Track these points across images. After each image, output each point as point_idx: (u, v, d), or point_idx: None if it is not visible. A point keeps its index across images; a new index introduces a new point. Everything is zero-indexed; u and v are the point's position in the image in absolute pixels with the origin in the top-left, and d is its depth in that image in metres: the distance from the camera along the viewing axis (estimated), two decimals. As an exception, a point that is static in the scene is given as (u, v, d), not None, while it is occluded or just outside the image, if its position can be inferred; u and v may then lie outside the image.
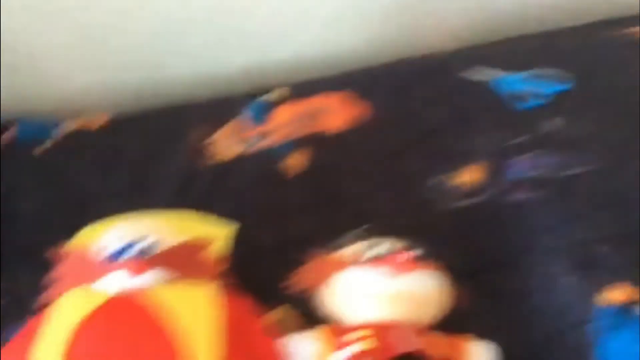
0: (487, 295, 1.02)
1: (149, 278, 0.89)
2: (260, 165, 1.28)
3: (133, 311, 0.85)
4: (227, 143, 1.32)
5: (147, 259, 0.90)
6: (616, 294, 0.97)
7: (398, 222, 1.11)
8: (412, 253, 0.97)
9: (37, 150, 1.35)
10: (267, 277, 1.03)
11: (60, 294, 0.90)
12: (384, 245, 0.98)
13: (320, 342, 0.91)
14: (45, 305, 0.91)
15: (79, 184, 1.27)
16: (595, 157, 1.16)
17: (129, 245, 0.92)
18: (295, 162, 1.27)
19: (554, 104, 1.28)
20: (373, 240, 1.00)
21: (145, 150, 1.33)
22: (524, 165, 1.18)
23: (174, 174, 1.28)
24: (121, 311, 0.86)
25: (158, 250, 0.92)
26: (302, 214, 1.18)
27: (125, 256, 0.90)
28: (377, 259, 0.96)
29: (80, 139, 1.38)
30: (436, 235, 1.08)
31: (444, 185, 1.20)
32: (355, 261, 0.97)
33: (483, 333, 0.95)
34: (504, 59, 1.39)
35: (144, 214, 1.04)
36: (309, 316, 0.98)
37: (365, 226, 1.09)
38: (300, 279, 1.02)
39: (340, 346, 0.90)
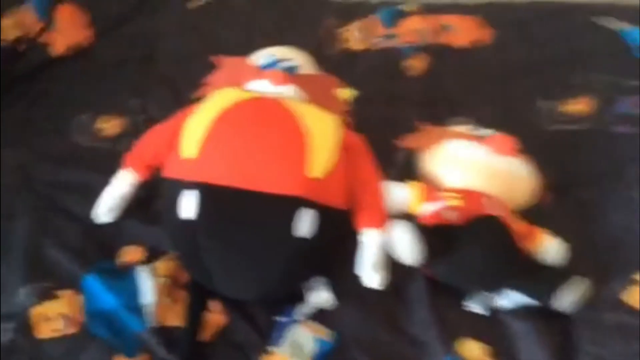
0: (569, 203, 1.12)
1: (288, 90, 1.05)
2: (385, 60, 1.40)
3: (273, 108, 1.01)
4: (358, 36, 1.45)
5: (289, 75, 1.06)
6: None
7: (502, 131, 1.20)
8: (514, 140, 1.06)
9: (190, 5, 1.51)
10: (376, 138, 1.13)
11: (215, 90, 1.07)
12: (488, 130, 1.09)
13: (415, 193, 1.03)
14: (201, 97, 1.08)
15: (219, 37, 1.43)
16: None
17: (276, 62, 1.09)
18: (417, 64, 1.39)
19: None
20: (479, 126, 1.11)
21: (279, 23, 1.48)
22: (632, 103, 1.27)
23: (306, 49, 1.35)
24: (264, 106, 1.02)
25: (299, 71, 1.09)
26: (413, 106, 1.30)
27: (272, 68, 1.07)
28: (480, 137, 1.07)
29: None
30: (537, 149, 1.15)
31: (552, 110, 1.29)
32: (461, 135, 1.08)
33: (557, 232, 1.05)
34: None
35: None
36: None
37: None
38: (411, 140, 1.13)
39: (431, 199, 1.02)
